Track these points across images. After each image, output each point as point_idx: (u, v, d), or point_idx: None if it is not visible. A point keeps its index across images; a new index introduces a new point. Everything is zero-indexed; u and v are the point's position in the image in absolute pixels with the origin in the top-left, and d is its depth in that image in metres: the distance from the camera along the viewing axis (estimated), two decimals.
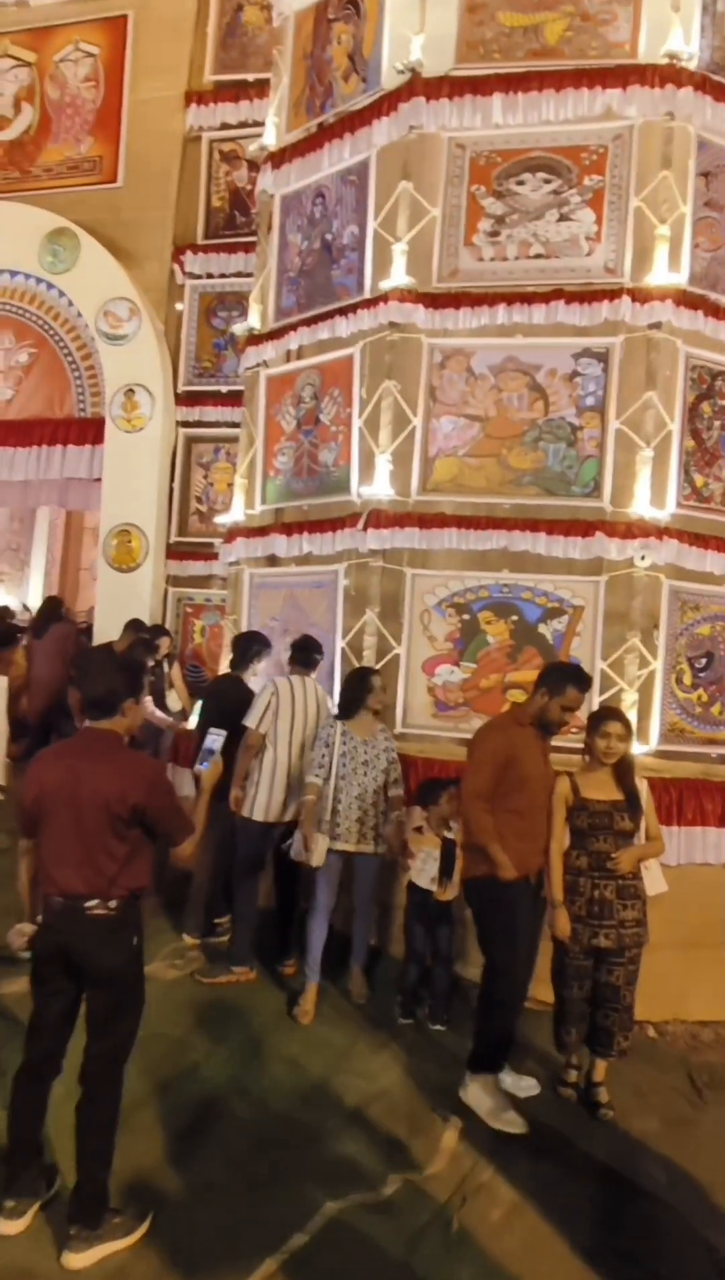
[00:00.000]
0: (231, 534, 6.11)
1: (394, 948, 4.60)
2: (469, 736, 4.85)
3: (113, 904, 2.66)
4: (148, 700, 5.94)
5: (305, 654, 4.86)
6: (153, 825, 2.72)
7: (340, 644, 5.27)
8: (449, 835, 4.25)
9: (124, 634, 6.55)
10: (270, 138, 6.26)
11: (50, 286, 7.83)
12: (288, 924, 4.71)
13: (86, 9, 8.01)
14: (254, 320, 6.22)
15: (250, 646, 5.13)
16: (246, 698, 4.82)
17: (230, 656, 5.32)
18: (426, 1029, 4.14)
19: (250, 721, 4.62)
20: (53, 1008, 2.73)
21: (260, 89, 7.33)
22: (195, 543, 7.36)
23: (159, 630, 6.78)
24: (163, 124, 7.74)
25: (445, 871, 4.21)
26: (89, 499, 8.34)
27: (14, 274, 7.96)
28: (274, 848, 4.62)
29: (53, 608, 7.65)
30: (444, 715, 5.06)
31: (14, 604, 10.46)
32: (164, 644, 6.66)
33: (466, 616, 5.04)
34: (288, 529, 5.66)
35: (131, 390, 7.31)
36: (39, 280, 7.86)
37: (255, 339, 6.16)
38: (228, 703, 4.85)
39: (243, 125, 7.50)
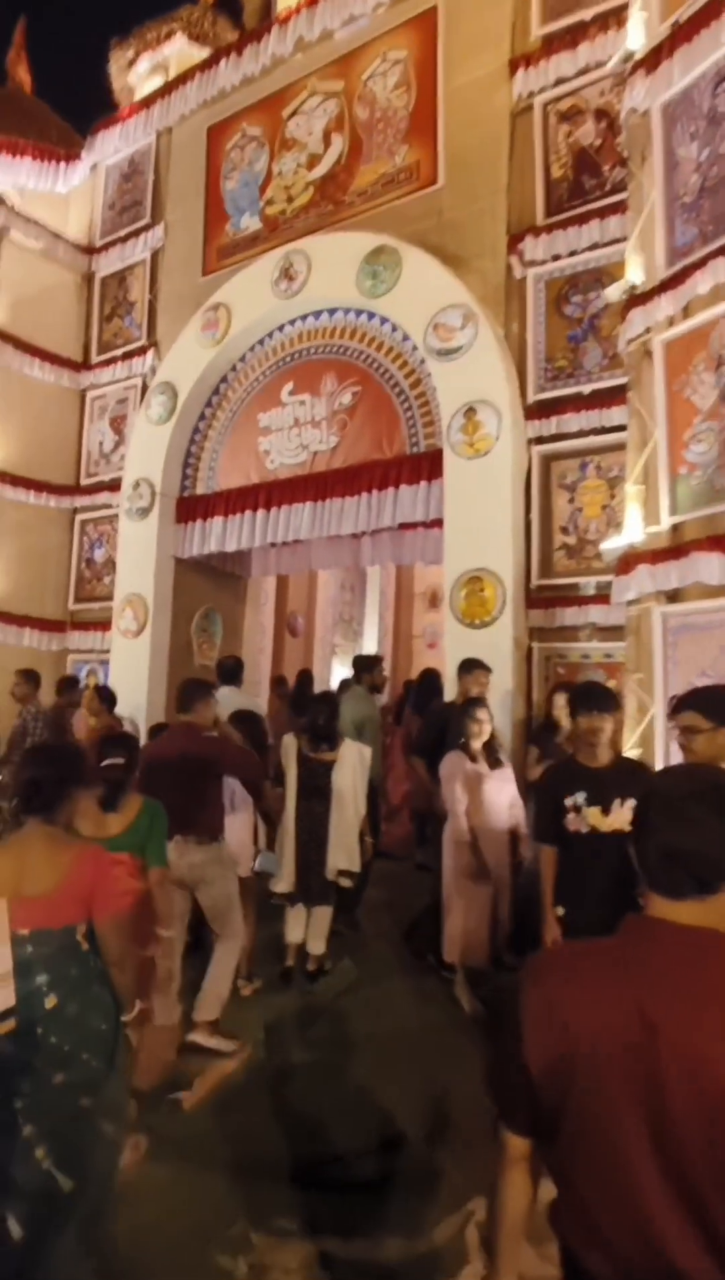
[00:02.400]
0: (626, 562, 4.47)
1: None
2: None
3: None
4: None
5: None
6: None
7: None
8: None
9: (461, 679, 5.14)
10: (635, 40, 4.76)
11: (371, 316, 6.92)
12: None
13: (393, 15, 7.21)
14: (634, 275, 4.65)
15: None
16: None
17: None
18: None
19: None
20: None
21: (602, 23, 5.97)
22: (563, 585, 5.80)
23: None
24: (485, 105, 6.59)
25: None
26: (426, 549, 7.19)
27: (332, 312, 7.20)
28: None
29: (434, 682, 6.40)
30: None
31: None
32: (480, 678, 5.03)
33: None
34: (720, 543, 3.91)
35: (472, 409, 6.03)
36: (358, 312, 7.00)
37: (638, 299, 4.57)
38: None
39: (584, 72, 6.14)
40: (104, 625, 8.27)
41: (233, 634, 8.76)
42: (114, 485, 8.47)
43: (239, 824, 4.42)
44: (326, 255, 7.04)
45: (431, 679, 6.54)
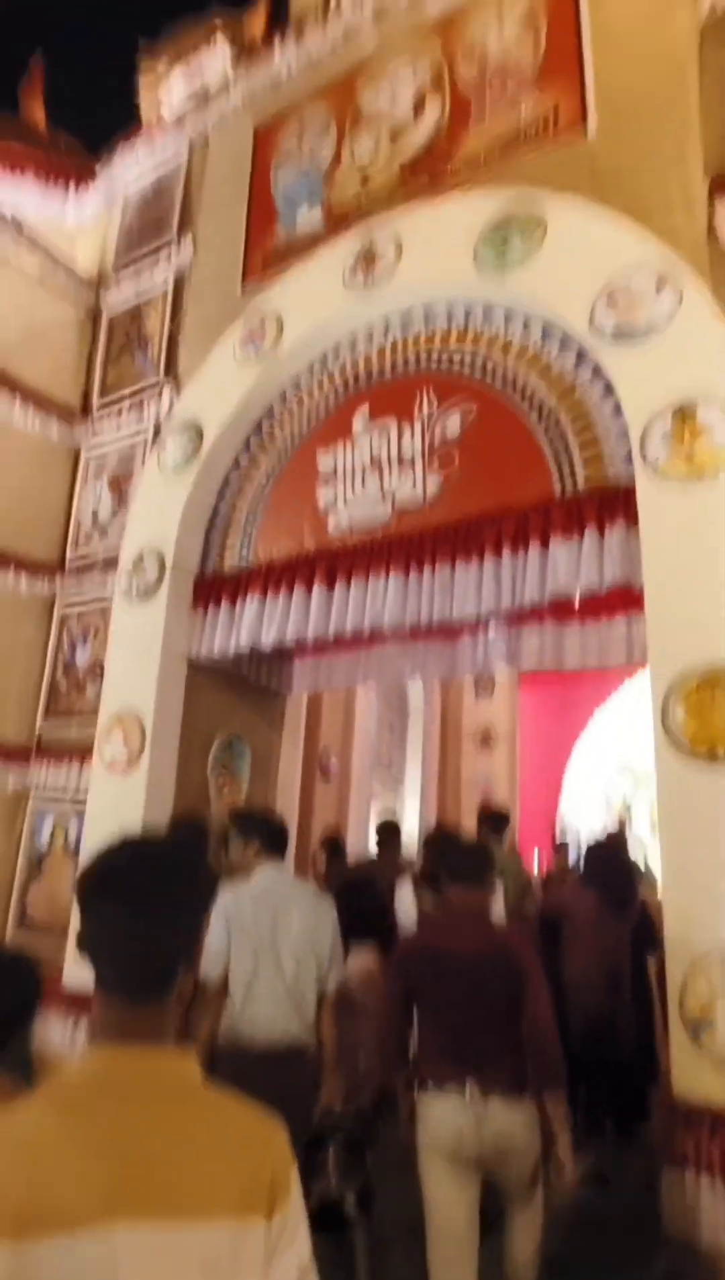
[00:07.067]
0: None
1: None
2: None
3: None
4: None
5: None
6: None
7: None
8: None
9: None
10: None
11: (487, 314, 4.78)
12: None
13: None
14: None
15: None
16: None
17: None
18: None
19: None
20: None
21: None
22: None
23: None
24: (655, 29, 4.70)
25: None
26: (586, 648, 4.73)
27: (430, 316, 5.07)
28: None
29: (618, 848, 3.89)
30: None
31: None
32: None
33: None
34: None
35: (683, 412, 3.74)
36: (467, 311, 4.87)
37: None
38: None
39: None
40: (83, 754, 5.74)
41: (263, 772, 6.19)
42: (110, 565, 6.15)
43: None
44: (426, 229, 4.99)
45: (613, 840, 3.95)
